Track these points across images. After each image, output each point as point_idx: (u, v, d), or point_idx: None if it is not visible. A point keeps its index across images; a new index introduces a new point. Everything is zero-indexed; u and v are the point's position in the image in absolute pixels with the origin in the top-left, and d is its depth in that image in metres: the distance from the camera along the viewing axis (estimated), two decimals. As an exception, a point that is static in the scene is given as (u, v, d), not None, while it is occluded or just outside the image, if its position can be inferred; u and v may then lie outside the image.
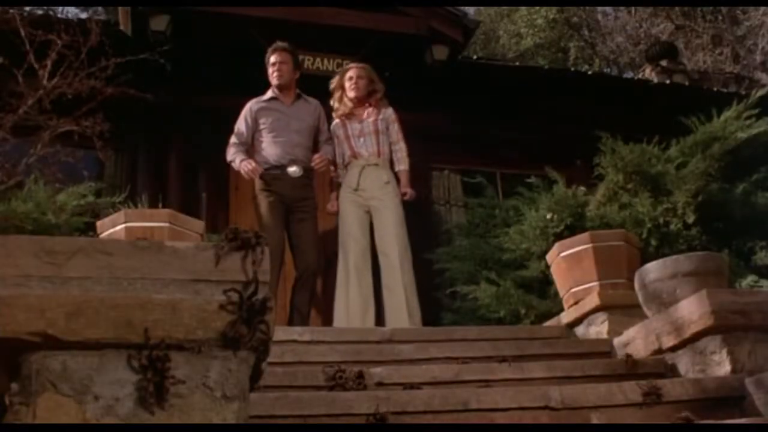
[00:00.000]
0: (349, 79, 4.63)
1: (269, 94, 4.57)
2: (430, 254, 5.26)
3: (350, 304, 4.30)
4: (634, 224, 4.28)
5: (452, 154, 6.48)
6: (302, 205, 4.42)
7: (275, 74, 4.50)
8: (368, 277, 4.40)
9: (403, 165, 4.63)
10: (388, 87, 4.79)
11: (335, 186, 4.68)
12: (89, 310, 1.30)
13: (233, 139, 4.51)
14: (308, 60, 5.63)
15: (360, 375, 2.45)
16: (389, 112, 4.65)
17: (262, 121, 4.49)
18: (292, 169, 4.38)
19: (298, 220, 4.40)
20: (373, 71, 4.72)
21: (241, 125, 4.52)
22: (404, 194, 4.54)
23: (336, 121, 4.68)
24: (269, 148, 4.43)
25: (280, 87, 4.53)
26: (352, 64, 4.75)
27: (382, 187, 4.49)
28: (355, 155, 4.53)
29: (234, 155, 4.45)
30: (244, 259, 1.41)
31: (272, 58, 4.53)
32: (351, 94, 4.60)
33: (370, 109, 4.64)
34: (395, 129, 4.63)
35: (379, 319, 4.41)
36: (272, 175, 4.38)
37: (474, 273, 4.92)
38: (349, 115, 4.63)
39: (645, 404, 2.30)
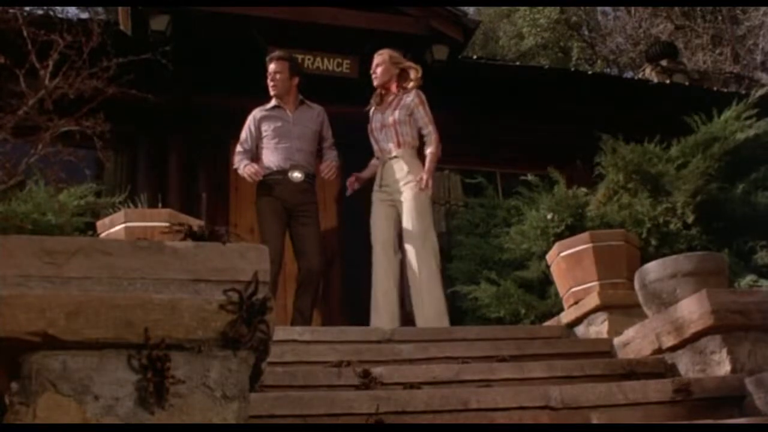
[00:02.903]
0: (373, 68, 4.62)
1: (273, 102, 4.60)
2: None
3: (373, 299, 4.29)
4: (634, 224, 4.28)
5: (452, 154, 6.43)
6: (304, 209, 4.45)
7: (270, 84, 4.55)
8: (392, 274, 4.34)
9: (431, 147, 4.40)
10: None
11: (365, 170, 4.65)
12: (89, 310, 1.30)
13: (238, 148, 4.58)
14: (308, 60, 5.63)
15: (366, 373, 2.45)
16: (411, 97, 4.45)
17: (264, 128, 4.53)
18: (295, 175, 4.41)
19: (301, 225, 4.43)
20: (396, 54, 4.59)
21: (245, 134, 4.58)
22: (419, 180, 4.25)
23: (372, 108, 4.65)
24: (271, 155, 4.47)
25: (276, 96, 4.56)
26: (378, 52, 4.66)
27: (404, 177, 4.37)
28: (380, 150, 4.53)
29: (239, 162, 4.52)
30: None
31: (269, 68, 4.56)
32: (375, 83, 4.59)
33: (391, 97, 4.54)
34: (421, 113, 4.44)
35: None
36: (274, 180, 4.42)
37: (474, 273, 4.92)
38: (379, 104, 4.60)
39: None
